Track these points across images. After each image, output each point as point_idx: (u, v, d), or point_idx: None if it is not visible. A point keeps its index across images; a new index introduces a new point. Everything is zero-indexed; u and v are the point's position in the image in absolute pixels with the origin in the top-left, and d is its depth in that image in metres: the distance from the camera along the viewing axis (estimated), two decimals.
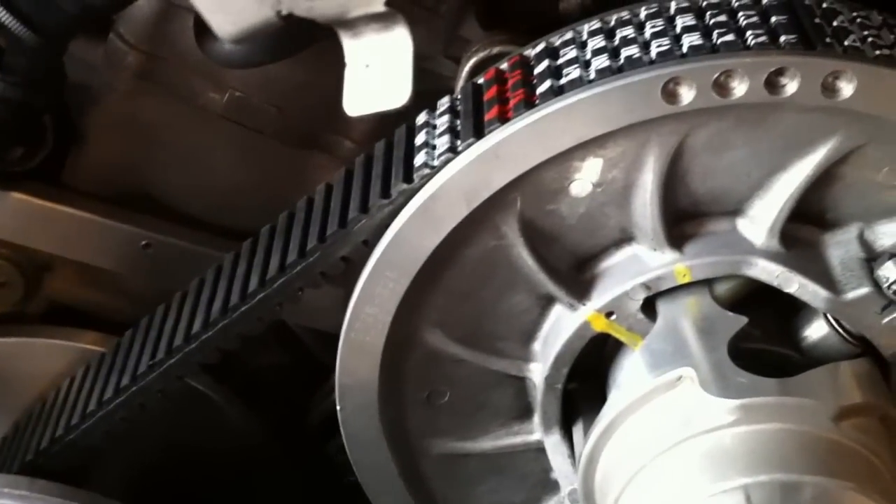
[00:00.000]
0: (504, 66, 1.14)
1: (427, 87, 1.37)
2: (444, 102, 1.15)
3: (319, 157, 1.49)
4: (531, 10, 1.38)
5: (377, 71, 1.12)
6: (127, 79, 1.40)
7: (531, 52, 1.13)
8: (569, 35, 1.12)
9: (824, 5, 1.09)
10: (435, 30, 1.35)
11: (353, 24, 1.11)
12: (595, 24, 1.11)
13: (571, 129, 1.04)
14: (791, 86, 1.02)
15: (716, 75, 1.01)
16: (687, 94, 1.02)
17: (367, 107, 1.13)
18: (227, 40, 1.11)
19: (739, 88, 1.02)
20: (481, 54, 1.29)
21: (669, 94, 1.02)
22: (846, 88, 1.02)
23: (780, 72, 1.02)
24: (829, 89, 1.02)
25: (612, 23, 1.10)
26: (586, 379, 1.22)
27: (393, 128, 1.19)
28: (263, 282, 1.17)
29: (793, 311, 1.15)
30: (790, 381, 1.06)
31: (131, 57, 1.38)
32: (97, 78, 1.43)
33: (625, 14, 1.10)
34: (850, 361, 1.11)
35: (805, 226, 1.13)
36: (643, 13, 1.10)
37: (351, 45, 1.12)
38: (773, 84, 1.02)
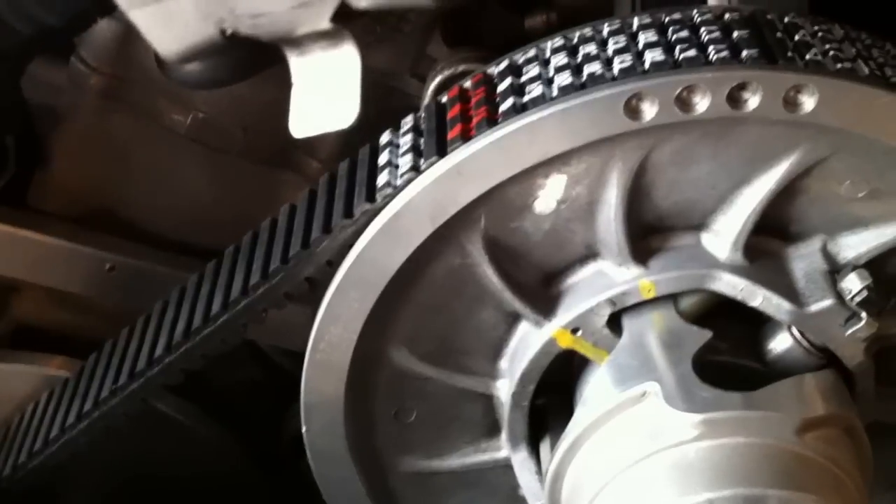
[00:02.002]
0: (468, 83, 1.13)
1: (394, 105, 1.39)
2: (407, 121, 1.14)
3: (286, 174, 1.49)
4: (496, 27, 1.39)
5: (324, 90, 1.11)
6: (90, 100, 1.40)
7: (495, 69, 1.13)
8: (532, 52, 1.12)
9: (786, 19, 1.09)
10: (400, 48, 1.36)
11: (299, 43, 1.10)
12: (558, 41, 1.11)
13: (534, 147, 1.04)
14: (753, 100, 1.02)
15: (678, 91, 1.01)
16: (649, 110, 1.02)
17: (313, 128, 1.11)
18: (171, 60, 1.10)
19: (702, 104, 1.02)
20: (446, 72, 1.30)
21: (632, 110, 1.02)
22: (808, 102, 1.02)
23: (742, 86, 1.02)
24: (791, 103, 1.02)
25: (576, 39, 1.10)
26: (555, 393, 1.21)
27: (359, 146, 1.19)
28: (226, 304, 1.16)
29: (758, 323, 1.15)
30: (754, 394, 1.06)
31: (94, 79, 1.38)
32: (61, 99, 1.43)
33: (588, 31, 1.11)
34: (814, 373, 1.11)
35: (769, 238, 1.13)
36: (606, 29, 1.10)
37: (297, 64, 1.11)
38: (735, 99, 1.02)
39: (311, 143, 1.43)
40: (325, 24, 1.07)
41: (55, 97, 1.42)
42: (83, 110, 1.42)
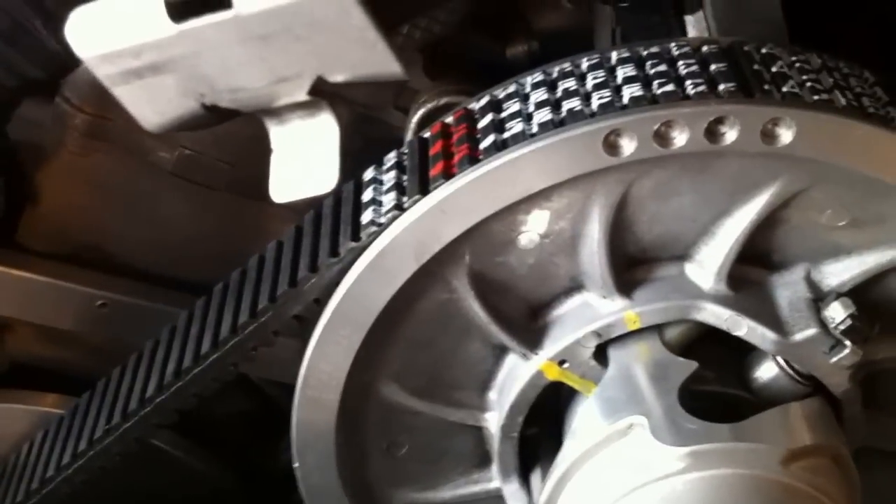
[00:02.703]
0: (450, 119, 1.14)
1: (379, 136, 1.40)
2: (391, 158, 1.15)
3: (274, 207, 1.49)
4: (478, 58, 1.40)
5: (304, 157, 1.12)
6: (76, 138, 1.40)
7: (476, 105, 1.13)
8: (512, 88, 1.12)
9: (764, 51, 1.09)
10: (383, 81, 1.36)
11: (278, 113, 1.12)
12: (538, 77, 1.11)
13: (515, 184, 1.05)
14: (731, 134, 1.03)
15: (656, 126, 1.02)
16: (628, 146, 1.03)
17: (293, 193, 1.13)
18: (154, 132, 1.11)
19: (680, 138, 1.03)
20: (429, 105, 1.31)
21: (611, 146, 1.03)
22: (786, 134, 1.03)
23: (719, 120, 1.02)
24: (769, 136, 1.03)
25: (555, 74, 1.11)
26: (545, 423, 1.22)
27: (346, 177, 1.20)
28: (216, 343, 1.17)
29: (745, 350, 1.15)
30: (740, 425, 1.06)
31: (78, 118, 1.38)
32: (47, 137, 1.43)
33: (567, 65, 1.11)
34: (800, 402, 1.11)
35: (753, 268, 1.14)
36: (585, 64, 1.10)
37: (277, 132, 1.12)
38: (713, 132, 1.03)
39: None
40: (302, 96, 1.08)
41: (41, 136, 1.43)
42: (68, 149, 1.42)
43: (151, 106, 1.10)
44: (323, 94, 1.06)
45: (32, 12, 1.17)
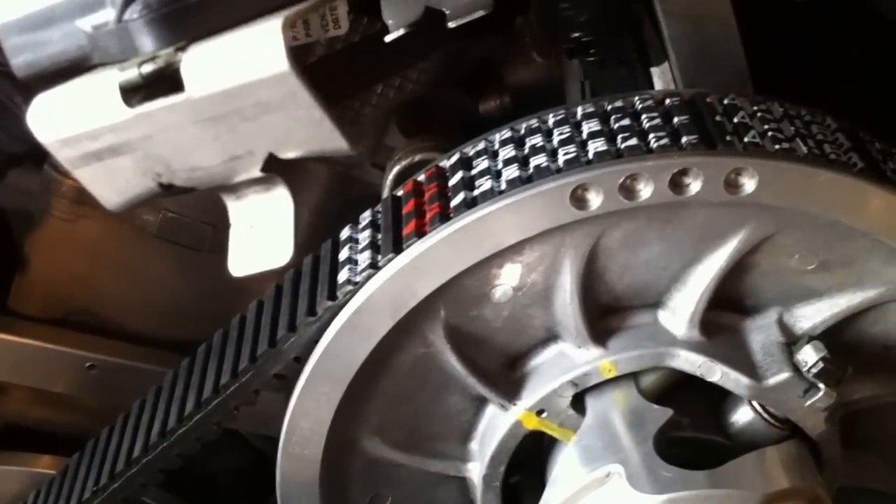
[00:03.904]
0: (422, 177, 1.16)
1: (357, 194, 1.42)
2: (366, 216, 1.17)
3: None
4: (452, 113, 1.42)
5: (260, 231, 1.15)
6: (63, 205, 1.43)
7: (447, 162, 1.15)
8: (481, 145, 1.14)
9: (726, 101, 1.11)
10: (358, 140, 1.38)
11: (235, 188, 1.15)
12: (506, 133, 1.14)
13: (486, 240, 1.07)
14: (695, 185, 1.04)
15: (621, 179, 1.04)
16: (595, 199, 1.05)
17: (251, 267, 1.15)
18: (115, 211, 1.14)
19: (645, 190, 1.05)
20: (403, 162, 1.33)
21: (578, 200, 1.05)
22: (749, 184, 1.04)
23: (683, 172, 1.04)
24: (733, 185, 1.05)
25: (522, 131, 1.13)
26: (528, 472, 1.23)
27: (329, 232, 1.22)
28: (199, 403, 1.19)
29: (721, 396, 1.17)
30: (716, 472, 1.07)
31: (66, 185, 1.41)
32: (36, 204, 1.46)
33: (534, 122, 1.13)
34: (777, 446, 1.13)
35: (726, 313, 1.15)
36: (551, 120, 1.12)
37: (235, 207, 1.15)
38: (677, 184, 1.04)
39: None
40: (256, 173, 1.11)
41: (29, 202, 1.46)
42: (56, 215, 1.45)
43: (110, 186, 1.13)
44: (277, 169, 1.09)
45: (13, 89, 1.20)
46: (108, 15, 1.05)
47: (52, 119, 1.09)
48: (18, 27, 1.08)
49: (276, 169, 1.08)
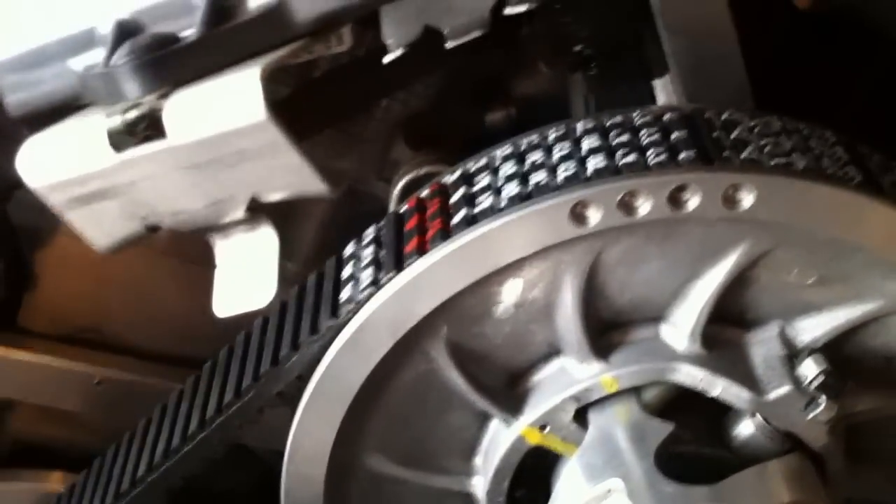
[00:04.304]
0: (425, 193, 1.17)
1: (364, 208, 1.43)
2: (369, 233, 1.18)
3: None
4: (458, 126, 1.43)
5: (244, 272, 1.18)
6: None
7: (449, 178, 1.16)
8: (483, 161, 1.15)
9: (724, 116, 1.12)
10: (365, 154, 1.40)
11: (221, 228, 1.17)
12: (507, 149, 1.14)
13: (486, 257, 1.07)
14: (693, 201, 1.05)
15: (619, 196, 1.04)
16: (594, 216, 1.05)
17: (234, 308, 1.18)
18: (102, 252, 1.17)
19: (644, 207, 1.05)
20: (409, 176, 1.34)
21: (577, 217, 1.05)
22: (746, 199, 1.05)
23: (681, 188, 1.05)
24: (730, 201, 1.05)
25: (523, 147, 1.13)
26: (533, 486, 1.24)
27: (334, 248, 1.23)
28: (203, 422, 1.20)
29: (723, 410, 1.16)
30: (717, 486, 1.08)
31: None
32: (45, 221, 1.47)
33: (535, 138, 1.14)
34: (779, 460, 1.13)
35: (727, 327, 1.16)
36: (552, 135, 1.13)
37: (221, 247, 1.18)
38: (675, 200, 1.05)
39: (287, 248, 1.47)
40: (241, 215, 1.14)
41: (39, 218, 1.47)
42: (64, 233, 1.46)
43: (99, 228, 1.17)
44: (261, 210, 1.10)
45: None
46: (98, 55, 1.09)
47: (40, 165, 1.14)
48: (12, 66, 1.12)
49: (260, 210, 1.10)
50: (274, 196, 1.12)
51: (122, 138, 1.06)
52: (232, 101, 1.06)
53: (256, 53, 1.07)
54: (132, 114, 1.06)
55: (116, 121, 1.07)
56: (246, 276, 1.18)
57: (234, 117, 1.06)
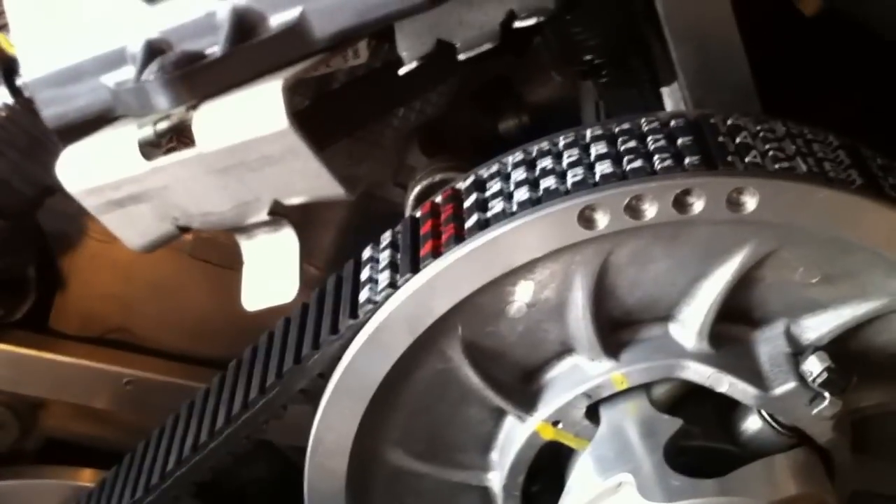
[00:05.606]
0: (439, 198, 1.21)
1: (381, 212, 1.47)
2: (386, 237, 1.22)
3: None
4: (471, 133, 1.46)
5: (269, 269, 1.23)
6: (100, 227, 1.47)
7: (462, 185, 1.20)
8: (495, 167, 1.19)
9: (729, 122, 1.15)
10: (381, 161, 1.44)
11: (246, 229, 1.23)
12: (518, 156, 1.18)
13: (498, 260, 1.11)
14: (698, 204, 1.08)
15: (626, 200, 1.08)
16: (602, 220, 1.09)
17: (261, 302, 1.23)
18: (138, 251, 1.22)
19: (650, 210, 1.09)
20: (424, 182, 1.38)
21: (586, 220, 1.09)
22: (750, 202, 1.08)
23: (686, 192, 1.08)
24: (735, 204, 1.08)
25: (534, 153, 1.17)
26: (548, 480, 1.27)
27: (353, 251, 1.27)
28: (229, 418, 1.24)
29: (731, 405, 1.20)
30: (724, 479, 1.11)
31: None
32: (74, 226, 1.52)
33: (545, 144, 1.17)
34: (785, 454, 1.16)
35: (734, 325, 1.19)
36: (562, 142, 1.17)
37: (247, 246, 1.23)
38: (681, 203, 1.08)
39: (308, 251, 1.51)
40: (264, 216, 1.20)
41: (68, 225, 1.53)
42: (93, 237, 1.52)
43: (133, 230, 1.23)
44: (283, 213, 1.15)
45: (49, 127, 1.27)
46: (129, 72, 1.15)
47: (78, 171, 1.19)
48: (48, 82, 1.18)
49: (282, 212, 1.15)
50: (295, 199, 1.17)
51: (152, 148, 1.13)
52: (256, 111, 1.11)
53: (278, 67, 1.12)
54: (162, 125, 1.12)
55: (148, 131, 1.13)
56: (271, 273, 1.23)
57: (258, 126, 1.11)
